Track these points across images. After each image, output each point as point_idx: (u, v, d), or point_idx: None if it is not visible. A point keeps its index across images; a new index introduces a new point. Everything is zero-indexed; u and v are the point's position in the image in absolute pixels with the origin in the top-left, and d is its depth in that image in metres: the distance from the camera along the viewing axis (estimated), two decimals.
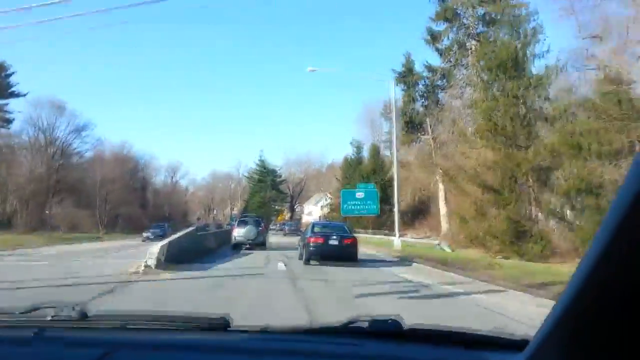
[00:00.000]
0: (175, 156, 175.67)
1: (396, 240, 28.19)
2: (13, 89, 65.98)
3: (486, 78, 27.03)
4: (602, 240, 0.80)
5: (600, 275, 0.82)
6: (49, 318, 1.61)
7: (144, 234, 41.66)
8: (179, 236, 17.71)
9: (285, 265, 17.18)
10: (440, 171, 48.65)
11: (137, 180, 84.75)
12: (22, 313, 1.69)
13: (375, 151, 61.31)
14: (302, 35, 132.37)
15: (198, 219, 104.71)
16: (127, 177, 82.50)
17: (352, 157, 64.66)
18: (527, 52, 26.72)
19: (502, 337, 1.55)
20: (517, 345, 1.36)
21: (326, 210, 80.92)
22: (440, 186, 51.61)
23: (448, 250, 27.65)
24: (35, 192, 64.43)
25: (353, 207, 46.97)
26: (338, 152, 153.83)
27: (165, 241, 15.27)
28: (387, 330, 1.52)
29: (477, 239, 25.37)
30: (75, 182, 69.29)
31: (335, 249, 17.28)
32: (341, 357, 1.45)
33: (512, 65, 25.49)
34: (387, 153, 71.31)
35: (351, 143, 67.63)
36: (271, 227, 72.94)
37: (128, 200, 77.42)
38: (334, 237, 17.72)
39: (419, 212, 65.75)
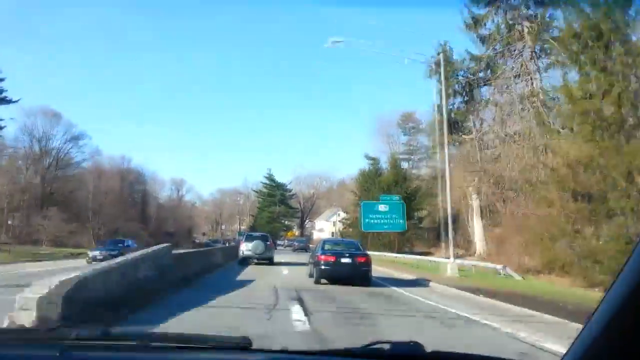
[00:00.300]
0: (181, 173, 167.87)
1: (450, 265, 20.24)
2: (4, 95, 59.31)
3: (574, 49, 19.54)
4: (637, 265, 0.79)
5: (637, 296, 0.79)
6: (73, 336, 1.54)
7: (91, 253, 28.80)
8: (119, 263, 10.09)
9: (304, 312, 9.49)
10: (473, 179, 41.21)
11: (138, 193, 77.56)
12: (46, 331, 1.68)
13: (395, 162, 53.79)
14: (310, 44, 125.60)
15: (203, 234, 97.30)
16: (127, 190, 75.54)
17: (369, 169, 57.01)
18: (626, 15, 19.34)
19: None
20: None
21: (339, 226, 73.25)
22: (473, 198, 44.05)
23: (517, 277, 19.99)
24: (24, 203, 57.72)
25: (375, 222, 39.27)
26: (349, 168, 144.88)
27: (68, 277, 7.60)
28: (408, 354, 1.41)
29: (570, 264, 17.74)
30: (68, 194, 62.48)
31: (347, 268, 15.47)
32: None
33: (612, 30, 18.11)
34: (405, 165, 64.25)
35: (366, 156, 60.26)
36: (279, 243, 66.13)
37: (127, 214, 70.34)
38: (346, 255, 15.85)
39: (445, 229, 57.88)
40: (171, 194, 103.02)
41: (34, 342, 1.65)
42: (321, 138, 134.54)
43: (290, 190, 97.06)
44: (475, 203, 43.60)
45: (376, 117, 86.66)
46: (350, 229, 57.83)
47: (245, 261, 24.59)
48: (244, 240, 26.99)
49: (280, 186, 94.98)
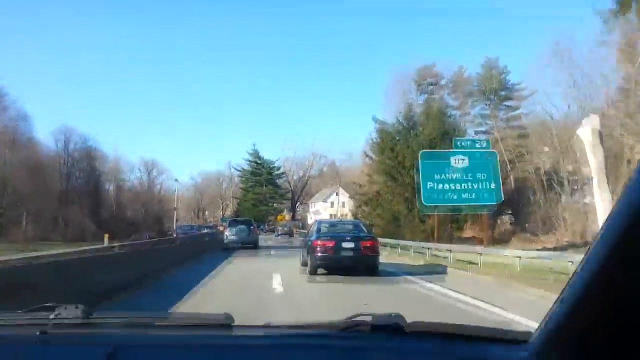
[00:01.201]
0: (156, 155, 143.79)
1: None
2: None
3: None
4: (609, 237, 0.78)
5: (607, 271, 0.79)
6: (52, 316, 1.46)
7: None
8: None
9: None
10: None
11: (83, 173, 56.92)
12: (25, 312, 1.58)
13: (441, 110, 34.11)
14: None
15: (177, 220, 76.72)
16: (70, 168, 54.98)
17: (399, 120, 36.72)
18: None
19: (507, 331, 1.37)
20: (522, 339, 1.20)
21: (345, 203, 53.76)
22: (590, 147, 24.60)
23: None
24: None
25: (446, 190, 19.82)
26: (346, 146, 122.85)
27: None
28: (390, 326, 1.37)
29: None
30: None
31: (350, 256, 11.69)
32: (344, 352, 1.33)
33: None
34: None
35: (375, 119, 39.76)
36: (264, 230, 54.45)
37: (66, 198, 50.22)
38: (348, 239, 11.97)
39: (511, 203, 38.08)
40: (141, 177, 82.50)
41: (12, 323, 1.54)
42: (315, 112, 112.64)
43: (278, 168, 77.23)
44: (595, 160, 24.29)
45: (390, 74, 64.70)
46: (367, 207, 38.07)
47: (229, 247, 22.66)
48: (227, 226, 26.41)
49: (266, 163, 75.12)
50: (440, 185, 19.45)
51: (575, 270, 0.87)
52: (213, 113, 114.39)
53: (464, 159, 19.59)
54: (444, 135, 30.37)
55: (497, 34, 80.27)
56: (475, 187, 19.47)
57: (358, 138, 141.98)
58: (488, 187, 19.52)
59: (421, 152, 21.04)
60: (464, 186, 19.48)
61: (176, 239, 18.77)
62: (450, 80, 53.08)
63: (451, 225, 31.44)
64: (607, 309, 0.79)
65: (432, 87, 53.25)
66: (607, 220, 0.78)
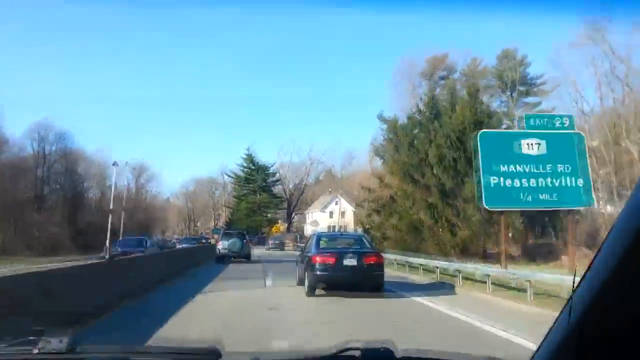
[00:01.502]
0: (146, 160, 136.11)
1: None
2: None
3: None
4: (605, 264, 0.75)
5: (607, 297, 0.76)
6: (36, 351, 1.40)
7: None
8: None
9: None
10: None
11: (62, 177, 50.38)
12: (7, 346, 1.48)
13: (472, 93, 27.99)
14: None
15: (163, 232, 70.15)
16: (49, 171, 48.54)
17: (419, 111, 30.58)
18: None
19: (502, 359, 1.23)
20: None
21: (341, 217, 47.50)
22: None
23: None
24: None
25: (516, 188, 13.65)
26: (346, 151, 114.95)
27: None
28: (380, 354, 1.33)
29: None
30: None
31: (352, 273, 10.42)
32: None
33: None
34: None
35: (380, 117, 33.66)
36: (254, 242, 45.79)
37: (34, 203, 43.89)
38: (350, 255, 10.72)
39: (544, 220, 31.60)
40: (128, 184, 75.67)
41: None
42: (312, 117, 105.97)
43: (274, 175, 71.01)
44: None
45: (395, 69, 58.21)
46: (378, 216, 31.83)
47: (222, 259, 22.70)
48: (220, 238, 25.97)
49: (261, 169, 68.84)
50: (509, 181, 13.49)
51: (573, 294, 0.81)
52: (207, 118, 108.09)
53: (539, 144, 13.68)
54: (477, 125, 24.39)
55: (515, 22, 73.61)
56: (557, 183, 13.54)
57: (358, 142, 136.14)
58: (574, 183, 13.61)
59: (481, 132, 14.86)
60: (541, 182, 13.55)
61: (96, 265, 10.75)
62: (462, 73, 47.33)
63: (484, 238, 25.48)
64: (606, 332, 0.74)
65: (444, 81, 47.39)
66: (607, 238, 0.72)
